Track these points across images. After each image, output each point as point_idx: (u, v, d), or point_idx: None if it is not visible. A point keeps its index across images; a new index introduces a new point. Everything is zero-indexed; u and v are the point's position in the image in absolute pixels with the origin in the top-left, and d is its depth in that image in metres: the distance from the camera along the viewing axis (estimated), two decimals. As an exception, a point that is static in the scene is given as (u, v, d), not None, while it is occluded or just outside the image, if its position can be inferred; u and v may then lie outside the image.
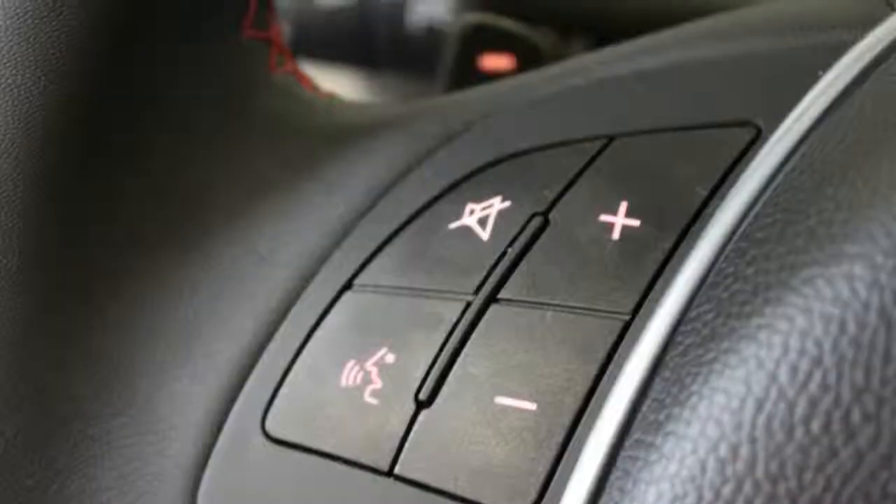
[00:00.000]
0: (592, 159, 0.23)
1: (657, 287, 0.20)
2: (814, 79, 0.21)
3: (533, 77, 0.27)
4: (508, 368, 0.20)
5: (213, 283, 0.24)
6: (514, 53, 0.62)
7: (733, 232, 0.19)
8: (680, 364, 0.17)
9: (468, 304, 0.21)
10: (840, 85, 0.20)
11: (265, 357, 0.23)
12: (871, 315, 0.14)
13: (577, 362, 0.19)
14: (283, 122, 0.26)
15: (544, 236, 0.22)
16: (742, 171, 0.20)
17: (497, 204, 0.23)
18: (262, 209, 0.25)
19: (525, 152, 0.24)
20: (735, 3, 0.28)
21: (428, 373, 0.21)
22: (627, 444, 0.17)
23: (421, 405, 0.21)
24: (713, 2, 0.39)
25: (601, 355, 0.19)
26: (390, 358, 0.22)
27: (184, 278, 0.24)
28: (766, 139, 0.20)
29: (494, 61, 0.62)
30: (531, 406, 0.19)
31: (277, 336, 0.23)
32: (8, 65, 0.22)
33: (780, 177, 0.19)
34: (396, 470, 0.21)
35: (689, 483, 0.15)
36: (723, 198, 0.20)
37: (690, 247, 0.19)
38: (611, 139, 0.23)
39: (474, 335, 0.21)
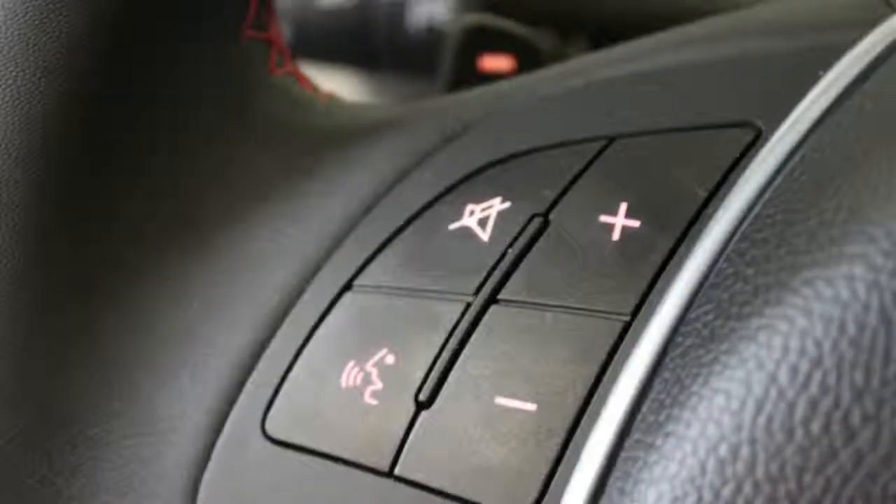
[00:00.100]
0: (592, 160, 0.23)
1: (657, 288, 0.20)
2: (814, 79, 0.21)
3: (533, 78, 0.27)
4: (508, 369, 0.20)
5: (213, 284, 0.24)
6: (514, 54, 0.62)
7: (733, 233, 0.19)
8: (680, 365, 0.17)
9: (468, 305, 0.21)
10: (840, 85, 0.20)
11: (265, 358, 0.23)
12: (870, 316, 0.14)
13: (577, 363, 0.19)
14: (282, 123, 0.26)
15: (544, 237, 0.22)
16: (742, 172, 0.20)
17: (497, 205, 0.23)
18: (261, 209, 0.25)
19: (525, 153, 0.24)
20: (735, 5, 0.28)
21: (428, 373, 0.21)
22: (627, 444, 0.17)
23: (421, 406, 0.21)
24: (713, 3, 0.39)
25: (601, 356, 0.19)
26: (390, 359, 0.22)
27: (184, 278, 0.24)
28: (766, 140, 0.20)
29: (494, 62, 0.62)
30: (531, 407, 0.19)
31: (277, 337, 0.23)
32: (8, 65, 0.22)
33: (780, 178, 0.19)
34: (396, 471, 0.21)
35: (689, 484, 0.15)
36: (723, 199, 0.20)
37: (690, 248, 0.19)
38: (611, 140, 0.23)
39: (474, 336, 0.21)
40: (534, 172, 0.23)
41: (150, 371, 0.23)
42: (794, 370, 0.15)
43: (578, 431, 0.19)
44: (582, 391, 0.19)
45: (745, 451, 0.15)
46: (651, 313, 0.19)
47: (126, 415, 0.23)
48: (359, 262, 0.24)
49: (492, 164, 0.24)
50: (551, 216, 0.22)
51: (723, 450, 0.15)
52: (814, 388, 0.14)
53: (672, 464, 0.16)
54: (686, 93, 0.23)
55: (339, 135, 0.27)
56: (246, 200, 0.25)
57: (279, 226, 0.25)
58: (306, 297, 0.24)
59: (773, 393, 0.15)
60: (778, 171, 0.19)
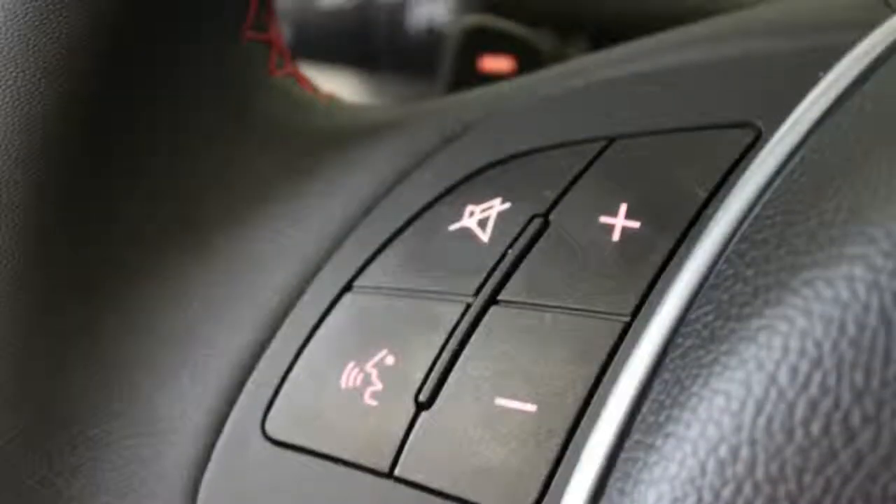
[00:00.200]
0: (592, 161, 0.23)
1: (657, 288, 0.20)
2: (814, 80, 0.21)
3: (533, 79, 0.27)
4: (508, 370, 0.20)
5: (213, 284, 0.24)
6: (514, 55, 0.62)
7: (733, 233, 0.19)
8: (680, 366, 0.17)
9: (468, 306, 0.21)
10: (840, 86, 0.20)
11: (265, 358, 0.23)
12: (870, 317, 0.14)
13: (576, 364, 0.19)
14: (282, 124, 0.26)
15: (544, 238, 0.22)
16: (742, 172, 0.20)
17: (497, 205, 0.23)
18: (261, 210, 0.25)
19: (525, 154, 0.24)
20: (735, 5, 0.28)
21: (428, 374, 0.21)
22: (627, 445, 0.17)
23: (421, 407, 0.21)
24: (714, 3, 0.39)
25: (601, 357, 0.19)
26: (390, 360, 0.22)
27: (184, 279, 0.24)
28: (766, 141, 0.20)
29: (494, 63, 0.62)
30: (531, 408, 0.19)
31: (277, 337, 0.23)
32: (8, 65, 0.22)
33: (780, 178, 0.19)
34: (396, 471, 0.21)
35: (689, 485, 0.15)
36: (723, 199, 0.20)
37: (690, 248, 0.19)
38: (611, 140, 0.23)
39: (474, 337, 0.21)
40: (534, 173, 0.23)
41: (150, 371, 0.23)
42: (794, 371, 0.15)
43: (578, 432, 0.19)
44: (582, 392, 0.19)
45: (745, 452, 0.15)
46: (651, 314, 0.19)
47: (126, 415, 0.23)
48: (359, 263, 0.24)
49: (492, 165, 0.24)
50: (551, 217, 0.22)
51: (723, 451, 0.15)
52: (814, 389, 0.14)
53: (672, 465, 0.16)
54: (686, 93, 0.23)
55: (339, 136, 0.27)
56: (246, 201, 0.25)
57: (279, 226, 0.25)
58: (306, 297, 0.24)
59: (773, 394, 0.15)
60: (778, 172, 0.19)
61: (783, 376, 0.15)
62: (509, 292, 0.21)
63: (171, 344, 0.24)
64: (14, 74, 0.22)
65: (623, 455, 0.17)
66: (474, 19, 0.63)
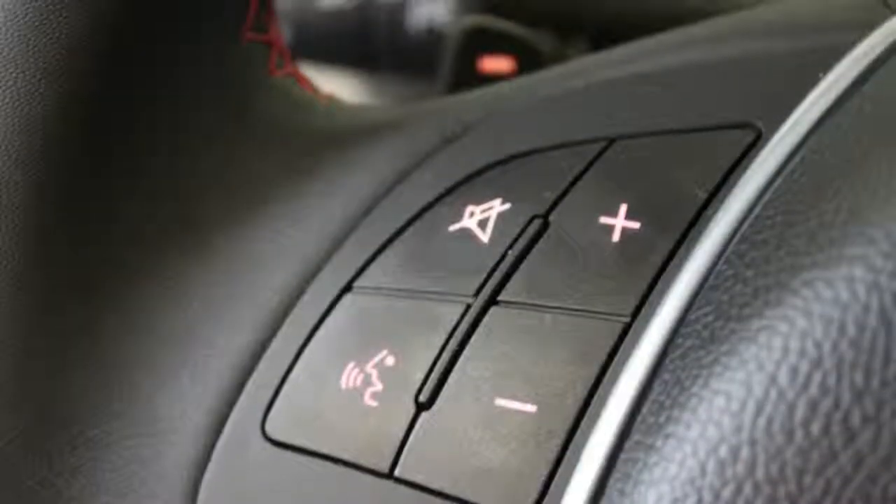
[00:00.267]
0: (592, 161, 0.23)
1: (657, 289, 0.20)
2: (814, 81, 0.21)
3: (533, 79, 0.27)
4: (508, 371, 0.20)
5: (213, 284, 0.24)
6: (514, 55, 0.62)
7: (733, 234, 0.19)
8: (680, 366, 0.17)
9: (468, 307, 0.21)
10: (840, 87, 0.20)
11: (265, 359, 0.23)
12: (870, 317, 0.14)
13: (577, 364, 0.19)
14: (282, 124, 0.26)
15: (544, 238, 0.22)
16: (742, 173, 0.20)
17: (497, 206, 0.23)
18: (261, 210, 0.25)
19: (525, 154, 0.24)
20: (734, 6, 0.28)
21: (428, 375, 0.21)
22: (627, 446, 0.17)
23: (421, 407, 0.21)
24: (714, 4, 0.39)
25: (601, 357, 0.19)
26: (390, 360, 0.22)
27: (184, 279, 0.24)
28: (766, 141, 0.20)
29: (494, 63, 0.62)
30: (531, 408, 0.19)
31: (277, 338, 0.23)
32: (8, 66, 0.22)
33: (780, 179, 0.19)
34: (396, 472, 0.21)
35: (689, 485, 0.15)
36: (723, 200, 0.20)
37: (690, 249, 0.19)
38: (611, 141, 0.23)
39: (474, 337, 0.21)
40: (534, 174, 0.23)
41: (150, 371, 0.23)
42: (794, 371, 0.15)
43: (578, 433, 0.19)
44: (582, 392, 0.19)
45: (745, 453, 0.15)
46: (651, 315, 0.19)
47: (126, 415, 0.23)
48: (359, 264, 0.24)
49: (492, 166, 0.24)
50: (551, 217, 0.22)
51: (723, 451, 0.15)
52: (814, 390, 0.14)
53: (672, 465, 0.16)
54: (686, 94, 0.23)
55: (338, 136, 0.27)
56: (246, 201, 0.25)
57: (279, 227, 0.25)
58: (306, 298, 0.24)
59: (773, 394, 0.15)
60: (778, 173, 0.19)
61: (783, 377, 0.15)
62: (509, 293, 0.21)
63: (171, 344, 0.24)
64: (14, 75, 0.22)
65: (623, 456, 0.17)
66: (474, 19, 0.63)
